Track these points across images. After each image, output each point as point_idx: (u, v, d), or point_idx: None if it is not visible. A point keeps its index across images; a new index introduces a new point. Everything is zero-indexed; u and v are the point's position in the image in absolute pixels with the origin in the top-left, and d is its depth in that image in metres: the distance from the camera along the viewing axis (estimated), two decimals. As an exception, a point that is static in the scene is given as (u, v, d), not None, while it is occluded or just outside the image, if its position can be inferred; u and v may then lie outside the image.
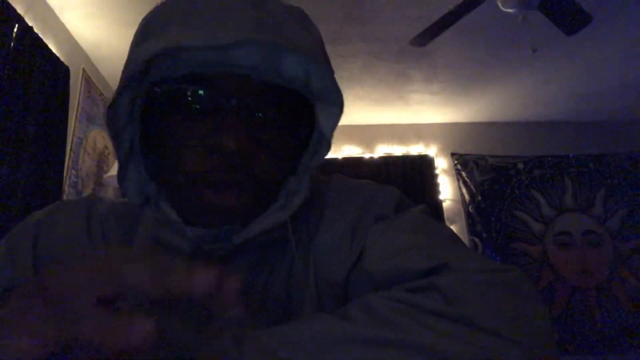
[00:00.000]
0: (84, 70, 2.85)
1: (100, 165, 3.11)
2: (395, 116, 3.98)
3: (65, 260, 0.26)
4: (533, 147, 4.00)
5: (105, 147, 3.17)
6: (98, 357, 0.24)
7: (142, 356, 0.24)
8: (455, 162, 3.95)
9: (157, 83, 0.45)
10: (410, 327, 0.32)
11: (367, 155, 3.95)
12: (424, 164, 3.94)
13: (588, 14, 2.25)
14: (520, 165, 3.93)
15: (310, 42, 0.45)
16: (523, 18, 2.27)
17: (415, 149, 4.01)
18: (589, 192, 3.88)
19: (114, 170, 2.71)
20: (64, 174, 2.49)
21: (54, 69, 2.36)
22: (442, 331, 0.32)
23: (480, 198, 3.82)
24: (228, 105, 0.43)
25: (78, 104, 2.75)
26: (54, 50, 2.39)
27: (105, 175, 3.01)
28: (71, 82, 2.54)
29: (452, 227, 2.22)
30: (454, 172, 3.94)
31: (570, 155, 3.99)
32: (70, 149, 2.62)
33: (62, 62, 2.44)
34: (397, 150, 4.00)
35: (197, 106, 0.44)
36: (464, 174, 3.91)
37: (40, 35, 2.24)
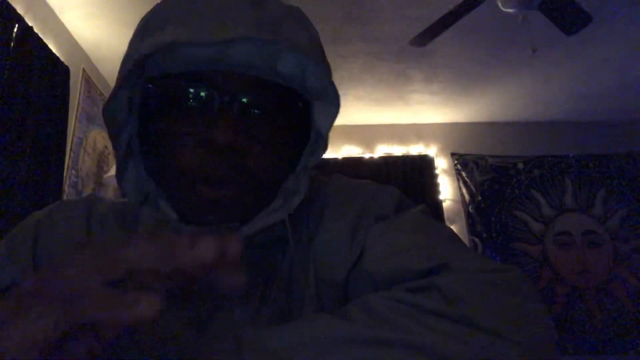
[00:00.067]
0: (84, 70, 2.85)
1: (100, 165, 3.11)
2: (395, 116, 3.98)
3: (68, 248, 0.26)
4: (533, 147, 4.00)
5: (105, 147, 3.17)
6: (105, 337, 0.24)
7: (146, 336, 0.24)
8: (455, 162, 3.95)
9: (154, 80, 0.45)
10: (410, 327, 0.32)
11: (367, 155, 3.94)
12: (424, 164, 3.94)
13: (588, 14, 2.25)
14: (520, 165, 3.93)
15: (308, 42, 0.46)
16: (523, 18, 2.27)
17: (415, 149, 4.01)
18: (589, 192, 3.88)
19: (114, 170, 2.69)
20: (64, 174, 2.50)
21: (54, 69, 2.36)
22: (442, 331, 0.32)
23: (480, 198, 3.82)
24: (222, 101, 0.43)
25: (78, 104, 2.75)
26: (54, 50, 2.39)
27: (105, 175, 3.02)
28: (71, 82, 2.54)
29: (452, 227, 2.22)
30: (454, 172, 3.94)
31: (571, 155, 3.99)
32: (70, 149, 2.63)
33: (62, 62, 2.44)
34: (397, 150, 4.00)
35: (192, 102, 0.44)
36: (464, 174, 3.91)
37: (40, 35, 2.24)
